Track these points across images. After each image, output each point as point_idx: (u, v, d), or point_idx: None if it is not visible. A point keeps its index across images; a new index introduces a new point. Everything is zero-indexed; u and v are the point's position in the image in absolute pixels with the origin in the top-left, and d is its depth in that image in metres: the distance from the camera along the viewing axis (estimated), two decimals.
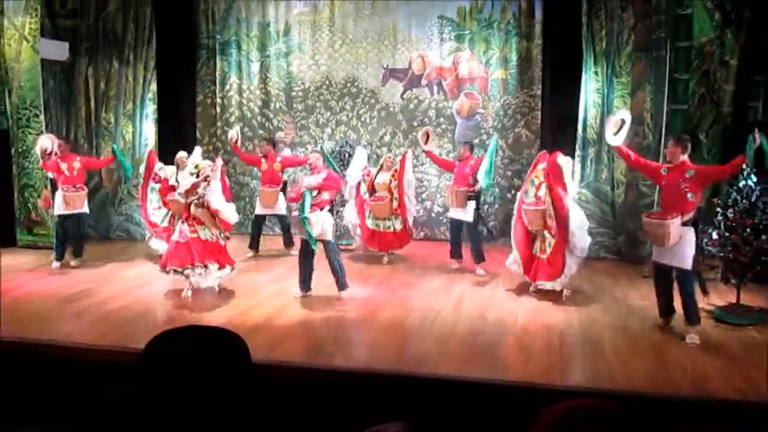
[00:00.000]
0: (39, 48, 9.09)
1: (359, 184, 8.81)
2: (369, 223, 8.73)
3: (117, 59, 10.09)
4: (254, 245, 9.09)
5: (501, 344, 5.55)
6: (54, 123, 9.91)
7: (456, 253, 8.20)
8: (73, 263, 8.30)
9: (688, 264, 5.58)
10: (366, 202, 8.78)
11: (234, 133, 9.19)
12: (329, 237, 6.78)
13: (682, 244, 5.57)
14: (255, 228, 9.13)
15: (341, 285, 6.85)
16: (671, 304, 5.92)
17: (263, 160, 8.99)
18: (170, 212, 7.57)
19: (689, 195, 5.56)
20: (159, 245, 8.31)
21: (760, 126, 7.16)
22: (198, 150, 7.88)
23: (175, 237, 6.89)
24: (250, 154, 9.78)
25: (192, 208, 6.87)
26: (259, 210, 9.12)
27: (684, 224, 5.57)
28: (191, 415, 1.31)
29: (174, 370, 1.34)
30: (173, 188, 7.48)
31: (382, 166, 8.84)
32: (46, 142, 8.09)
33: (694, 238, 5.60)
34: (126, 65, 10.10)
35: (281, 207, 9.02)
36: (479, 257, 8.00)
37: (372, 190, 8.79)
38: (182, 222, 6.86)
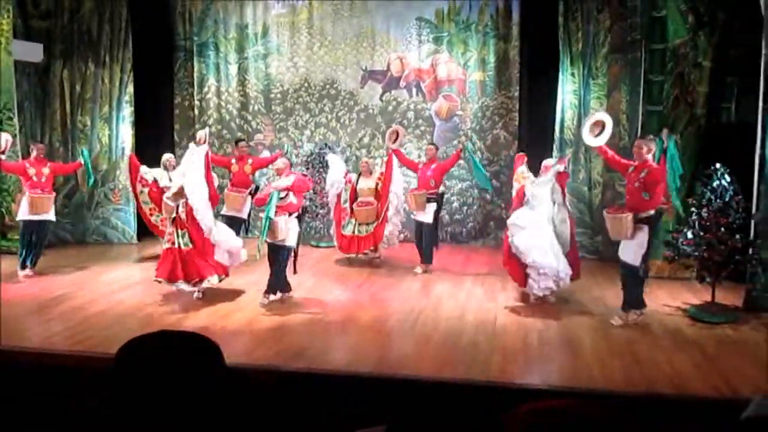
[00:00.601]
0: (12, 50, 8.94)
1: (340, 192, 8.76)
2: (347, 230, 8.64)
3: (93, 61, 9.96)
4: None
5: (481, 345, 5.58)
6: (28, 125, 9.74)
7: (427, 259, 8.18)
8: (25, 272, 7.75)
9: (635, 260, 5.84)
10: (344, 210, 8.72)
11: (202, 133, 8.83)
12: (290, 243, 6.65)
13: (632, 241, 5.86)
14: None
15: (271, 289, 6.70)
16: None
17: (234, 162, 8.79)
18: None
19: (644, 194, 5.82)
20: None
21: (734, 127, 7.32)
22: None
23: (165, 244, 6.81)
24: (220, 155, 9.47)
25: (179, 209, 6.75)
26: (224, 212, 8.68)
27: (638, 221, 5.79)
28: (164, 421, 1.30)
29: (144, 376, 1.33)
30: (164, 191, 7.38)
31: (361, 172, 8.81)
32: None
33: (645, 238, 5.83)
34: (102, 67, 9.97)
35: (246, 211, 8.72)
36: (429, 258, 8.10)
37: (354, 196, 8.73)
38: (171, 226, 6.77)
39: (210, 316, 6.34)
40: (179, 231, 6.68)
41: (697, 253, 6.33)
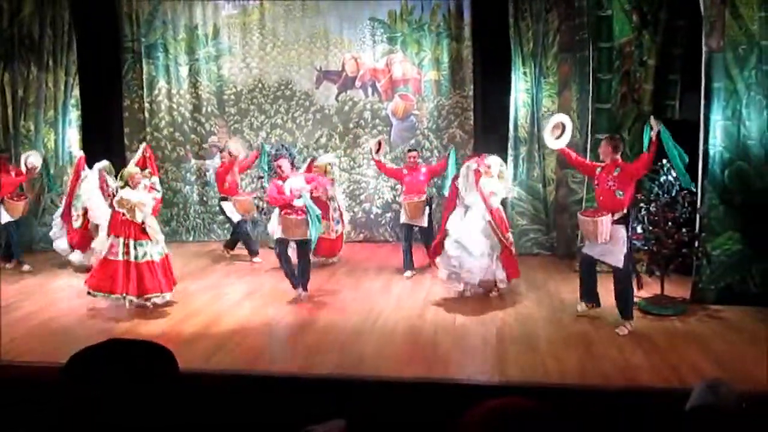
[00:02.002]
0: None
1: None
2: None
3: (35, 65, 9.64)
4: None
5: (440, 343, 5.63)
6: None
7: (410, 264, 8.08)
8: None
9: (619, 262, 5.81)
10: None
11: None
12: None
13: (612, 242, 5.81)
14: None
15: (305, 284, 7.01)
16: (592, 292, 6.21)
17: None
18: None
19: (618, 193, 5.82)
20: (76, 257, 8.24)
21: (678, 123, 7.52)
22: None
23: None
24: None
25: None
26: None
27: (615, 222, 5.80)
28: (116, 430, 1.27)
29: (94, 386, 1.30)
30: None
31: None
32: None
33: (625, 236, 5.83)
34: (45, 71, 9.67)
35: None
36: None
37: None
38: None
39: (165, 322, 6.24)
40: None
41: (646, 247, 6.49)
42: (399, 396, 4.42)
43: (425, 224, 8.07)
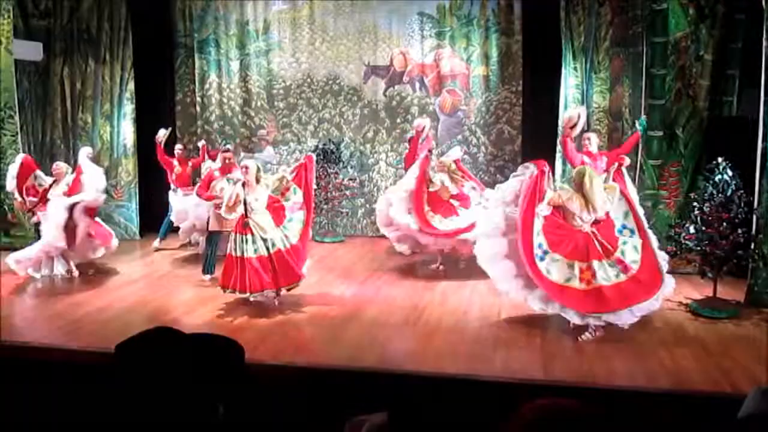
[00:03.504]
0: (12, 49, 8.96)
1: None
2: None
3: (93, 59, 9.96)
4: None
5: (484, 339, 5.59)
6: (29, 124, 9.77)
7: None
8: None
9: None
10: None
11: (161, 134, 8.93)
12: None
13: None
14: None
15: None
16: None
17: (176, 163, 9.00)
18: None
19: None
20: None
21: (736, 120, 7.28)
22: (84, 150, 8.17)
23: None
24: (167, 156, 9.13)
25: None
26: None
27: None
28: (162, 417, 1.30)
29: (143, 373, 1.33)
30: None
31: None
32: None
33: None
34: (102, 65, 9.97)
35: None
36: None
37: None
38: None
39: (211, 312, 6.36)
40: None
41: (699, 248, 6.31)
42: (441, 391, 4.42)
43: None
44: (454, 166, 8.22)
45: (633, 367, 4.94)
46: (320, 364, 5.04)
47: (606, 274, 5.48)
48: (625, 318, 5.43)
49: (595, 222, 5.66)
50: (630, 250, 5.59)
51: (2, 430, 2.83)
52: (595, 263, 5.49)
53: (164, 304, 6.62)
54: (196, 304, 6.62)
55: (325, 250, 9.25)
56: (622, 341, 5.48)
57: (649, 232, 5.77)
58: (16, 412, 3.47)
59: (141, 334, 1.41)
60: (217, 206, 6.91)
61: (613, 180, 5.97)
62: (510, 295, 5.90)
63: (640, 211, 5.87)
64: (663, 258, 5.74)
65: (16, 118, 9.06)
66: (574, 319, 5.49)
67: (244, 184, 6.28)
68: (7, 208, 9.16)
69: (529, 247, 5.59)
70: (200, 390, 1.34)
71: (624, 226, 5.71)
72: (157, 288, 7.20)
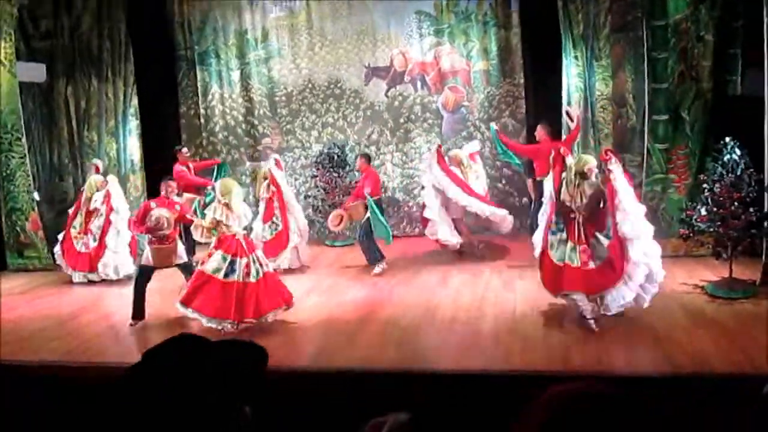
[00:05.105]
0: (16, 71, 9.03)
1: None
2: None
3: (95, 77, 10.02)
4: None
5: (500, 334, 5.57)
6: (36, 145, 9.85)
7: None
8: None
9: None
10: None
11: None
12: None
13: None
14: None
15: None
16: None
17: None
18: None
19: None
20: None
21: (741, 99, 7.22)
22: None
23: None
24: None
25: None
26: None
27: None
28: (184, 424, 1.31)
29: (169, 379, 1.34)
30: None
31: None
32: None
33: None
34: (105, 82, 10.03)
35: None
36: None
37: None
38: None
39: None
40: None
41: (712, 229, 6.27)
42: (459, 388, 4.42)
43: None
44: (467, 161, 8.40)
45: (652, 353, 4.91)
46: (338, 367, 5.04)
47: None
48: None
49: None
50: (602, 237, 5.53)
51: None
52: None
53: (180, 314, 6.63)
54: None
55: (336, 254, 9.27)
56: (639, 327, 5.45)
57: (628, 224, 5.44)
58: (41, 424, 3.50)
59: (167, 341, 1.42)
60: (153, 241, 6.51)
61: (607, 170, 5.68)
62: None
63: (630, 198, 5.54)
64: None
65: (23, 140, 9.14)
66: None
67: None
68: (19, 230, 9.23)
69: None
70: (226, 395, 1.35)
71: None
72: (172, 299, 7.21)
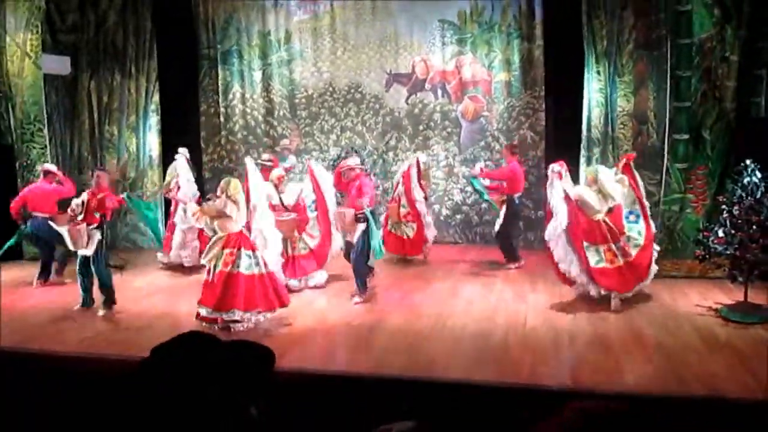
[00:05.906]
0: (41, 63, 9.16)
1: None
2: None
3: (119, 72, 10.15)
4: None
5: (510, 345, 5.54)
6: (57, 137, 9.97)
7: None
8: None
9: None
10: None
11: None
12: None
13: None
14: None
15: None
16: None
17: None
18: None
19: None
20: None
21: (764, 122, 7.14)
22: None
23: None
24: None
25: None
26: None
27: None
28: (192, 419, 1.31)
29: (176, 375, 1.34)
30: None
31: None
32: None
33: None
34: (128, 78, 10.16)
35: None
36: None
37: None
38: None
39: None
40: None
41: (728, 252, 6.21)
42: (468, 399, 4.39)
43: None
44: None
45: (664, 374, 4.86)
46: (347, 372, 5.04)
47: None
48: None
49: (608, 210, 6.52)
50: (635, 234, 6.57)
51: None
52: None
53: (190, 311, 6.66)
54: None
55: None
56: (652, 347, 5.40)
57: (651, 221, 6.73)
58: (50, 418, 3.52)
59: (176, 338, 1.43)
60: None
61: (623, 173, 6.75)
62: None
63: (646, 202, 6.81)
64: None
65: (45, 131, 9.26)
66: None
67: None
68: None
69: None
70: (231, 393, 1.36)
71: (631, 212, 6.68)
72: (182, 296, 7.24)
